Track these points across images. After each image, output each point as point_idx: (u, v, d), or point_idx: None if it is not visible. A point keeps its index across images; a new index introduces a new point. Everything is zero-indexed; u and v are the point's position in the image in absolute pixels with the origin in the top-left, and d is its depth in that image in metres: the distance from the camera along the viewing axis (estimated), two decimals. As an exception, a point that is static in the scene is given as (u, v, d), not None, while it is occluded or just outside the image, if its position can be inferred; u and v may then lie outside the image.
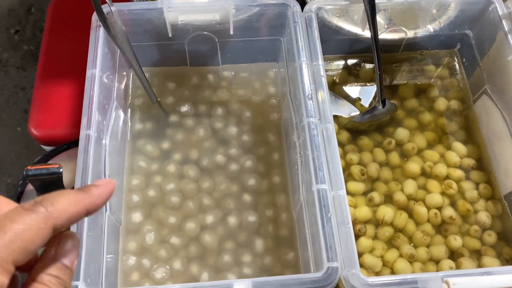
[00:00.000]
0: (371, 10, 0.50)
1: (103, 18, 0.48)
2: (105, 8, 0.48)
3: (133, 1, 0.56)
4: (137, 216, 0.51)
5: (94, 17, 0.50)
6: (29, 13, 1.49)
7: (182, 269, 0.49)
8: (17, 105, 1.37)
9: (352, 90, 0.59)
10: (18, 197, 0.86)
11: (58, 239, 0.26)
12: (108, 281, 0.45)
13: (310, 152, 0.44)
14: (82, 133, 0.44)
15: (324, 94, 0.46)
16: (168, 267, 0.49)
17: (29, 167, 0.77)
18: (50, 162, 0.80)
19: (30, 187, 0.84)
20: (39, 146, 0.74)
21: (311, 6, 0.51)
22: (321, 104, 0.46)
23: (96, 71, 0.47)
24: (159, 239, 0.50)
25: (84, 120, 0.45)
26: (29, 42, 1.45)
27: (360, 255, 0.49)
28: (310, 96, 0.46)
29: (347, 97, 0.58)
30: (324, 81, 0.47)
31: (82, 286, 0.38)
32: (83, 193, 0.27)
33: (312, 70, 0.48)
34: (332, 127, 0.45)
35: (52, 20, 0.81)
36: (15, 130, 1.32)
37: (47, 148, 0.77)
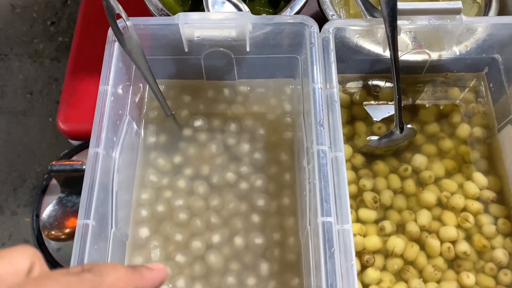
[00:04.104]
0: (392, 32, 0.48)
1: (118, 33, 0.48)
2: (120, 23, 0.48)
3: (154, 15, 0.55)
4: (144, 232, 0.51)
5: (110, 32, 0.50)
6: (65, 5, 1.52)
7: (185, 288, 0.49)
8: (49, 96, 1.40)
9: (371, 111, 0.57)
10: (43, 191, 0.89)
11: None
12: (111, 297, 0.45)
13: (318, 181, 0.42)
14: (91, 150, 0.44)
15: (336, 120, 0.45)
16: (171, 285, 0.49)
17: (53, 163, 0.78)
18: (74, 158, 0.82)
19: (54, 181, 0.87)
20: (68, 138, 0.75)
21: (329, 27, 0.49)
22: (332, 131, 0.44)
23: (109, 87, 0.47)
24: (164, 255, 0.50)
25: (93, 138, 0.45)
26: (64, 33, 1.48)
27: (366, 286, 0.47)
28: (321, 123, 0.45)
29: (365, 118, 0.57)
30: (337, 107, 0.45)
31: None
32: (135, 272, 0.25)
33: (326, 94, 0.46)
34: (342, 156, 0.43)
35: (84, 14, 0.82)
36: (47, 120, 1.35)
37: (74, 142, 0.78)
